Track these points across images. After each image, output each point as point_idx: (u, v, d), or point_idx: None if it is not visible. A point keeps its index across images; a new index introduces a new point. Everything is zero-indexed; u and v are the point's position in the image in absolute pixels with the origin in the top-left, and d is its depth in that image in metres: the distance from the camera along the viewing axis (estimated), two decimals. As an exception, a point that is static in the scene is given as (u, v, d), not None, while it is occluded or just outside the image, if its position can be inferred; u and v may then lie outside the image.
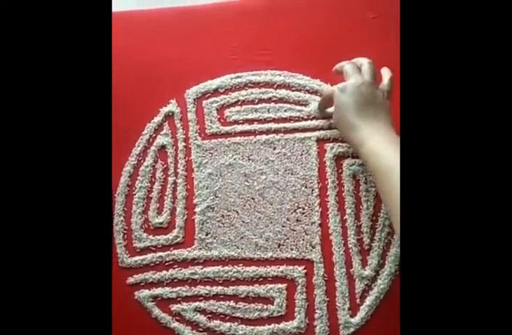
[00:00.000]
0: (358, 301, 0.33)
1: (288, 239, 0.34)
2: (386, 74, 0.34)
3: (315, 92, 0.38)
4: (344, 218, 0.35)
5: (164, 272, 0.34)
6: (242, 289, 0.33)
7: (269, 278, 0.34)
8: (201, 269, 0.34)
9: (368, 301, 0.33)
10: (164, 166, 0.37)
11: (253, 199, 0.36)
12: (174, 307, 0.33)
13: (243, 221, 0.35)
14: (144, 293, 0.34)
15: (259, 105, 0.38)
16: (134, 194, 0.36)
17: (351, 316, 0.32)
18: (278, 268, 0.34)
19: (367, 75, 0.32)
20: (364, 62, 0.33)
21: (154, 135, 0.38)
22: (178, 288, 0.34)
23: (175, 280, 0.34)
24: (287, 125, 0.37)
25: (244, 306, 0.33)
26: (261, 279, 0.34)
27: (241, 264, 0.34)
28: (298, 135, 0.37)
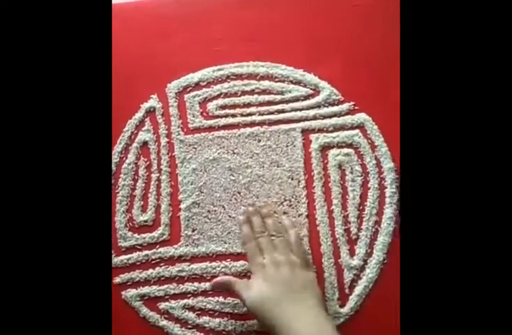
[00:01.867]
0: (347, 291, 0.32)
1: (276, 232, 0.34)
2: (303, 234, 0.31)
3: (299, 82, 0.37)
4: (331, 208, 0.34)
5: (151, 270, 0.34)
6: (230, 284, 0.33)
7: (258, 272, 0.33)
8: (189, 265, 0.34)
9: (357, 290, 0.32)
10: (147, 163, 0.36)
11: (239, 193, 0.35)
12: (162, 305, 0.33)
13: (229, 216, 0.35)
14: (131, 292, 0.33)
15: (243, 97, 0.37)
16: (118, 192, 0.36)
17: (341, 306, 0.32)
18: (267, 261, 0.33)
19: (296, 252, 0.28)
20: (288, 227, 0.29)
21: (136, 132, 0.37)
22: (165, 286, 0.33)
23: (162, 278, 0.34)
24: (271, 117, 0.37)
25: (233, 301, 0.33)
26: (249, 273, 0.33)
27: (228, 259, 0.34)
28: (282, 126, 0.36)
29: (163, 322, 0.32)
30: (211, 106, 0.37)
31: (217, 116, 0.37)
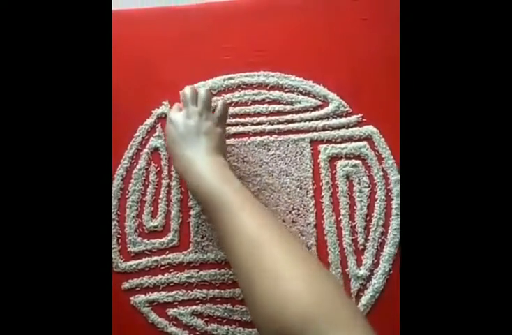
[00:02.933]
0: (353, 300, 0.33)
1: (284, 240, 0.35)
2: (219, 100, 0.35)
3: (308, 93, 0.38)
4: (339, 218, 0.35)
5: (160, 276, 0.34)
6: (239, 291, 0.33)
7: (265, 280, 0.34)
8: (198, 272, 0.34)
9: (363, 300, 0.33)
10: (158, 169, 0.37)
11: (248, 201, 0.35)
12: (171, 311, 0.33)
13: (238, 223, 0.35)
14: (139, 298, 0.33)
15: (253, 107, 0.38)
16: (128, 197, 0.36)
17: (347, 316, 0.33)
18: (274, 269, 0.34)
19: (200, 103, 0.33)
20: (200, 89, 0.34)
21: (147, 137, 0.37)
22: (174, 292, 0.34)
23: (171, 284, 0.34)
24: (281, 126, 0.37)
25: (241, 308, 0.33)
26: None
27: (237, 267, 0.34)
28: (292, 136, 0.37)
29: (172, 329, 0.33)
30: (221, 114, 0.38)
31: (228, 125, 0.38)
